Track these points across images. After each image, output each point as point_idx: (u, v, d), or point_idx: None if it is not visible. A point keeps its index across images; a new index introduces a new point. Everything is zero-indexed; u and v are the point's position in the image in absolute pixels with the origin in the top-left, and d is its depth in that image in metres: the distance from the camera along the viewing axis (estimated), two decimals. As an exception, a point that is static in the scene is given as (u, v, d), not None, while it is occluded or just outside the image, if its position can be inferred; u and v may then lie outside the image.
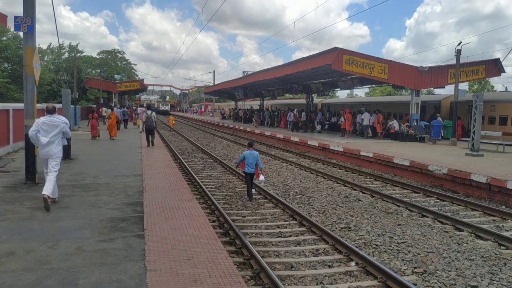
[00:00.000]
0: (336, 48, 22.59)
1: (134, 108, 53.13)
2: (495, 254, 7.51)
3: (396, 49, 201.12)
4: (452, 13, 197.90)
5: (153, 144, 20.00)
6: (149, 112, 19.93)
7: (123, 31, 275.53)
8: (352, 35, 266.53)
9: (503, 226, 9.52)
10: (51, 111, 8.58)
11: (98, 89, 52.10)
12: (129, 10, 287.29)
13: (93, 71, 78.39)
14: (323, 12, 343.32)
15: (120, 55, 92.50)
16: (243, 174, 12.01)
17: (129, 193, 9.42)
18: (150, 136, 19.94)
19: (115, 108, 33.05)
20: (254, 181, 11.91)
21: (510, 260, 7.22)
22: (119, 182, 10.73)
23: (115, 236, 6.37)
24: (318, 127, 31.19)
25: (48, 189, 7.91)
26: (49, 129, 8.42)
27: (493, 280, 6.30)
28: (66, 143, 9.37)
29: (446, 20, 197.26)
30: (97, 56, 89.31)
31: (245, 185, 12.10)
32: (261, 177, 11.70)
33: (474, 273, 6.54)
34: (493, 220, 10.04)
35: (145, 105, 42.38)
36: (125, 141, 22.36)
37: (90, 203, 8.40)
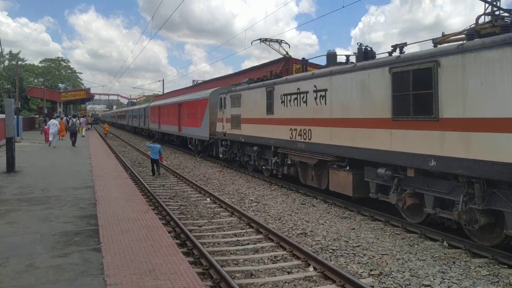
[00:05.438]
0: (286, 57, 22.93)
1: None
2: (444, 254, 7.88)
3: (343, 58, 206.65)
4: (395, 23, 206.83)
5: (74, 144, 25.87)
6: (74, 119, 29.13)
7: (67, 38, 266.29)
8: (301, 44, 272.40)
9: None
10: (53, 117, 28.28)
11: (42, 98, 50.09)
12: (73, 17, 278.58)
13: (36, 80, 75.03)
14: (272, 21, 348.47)
15: (65, 63, 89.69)
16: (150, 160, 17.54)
17: (81, 206, 9.11)
18: (73, 137, 26.12)
19: (64, 117, 40.87)
20: (160, 164, 17.51)
21: (458, 258, 7.60)
22: (69, 195, 10.35)
23: (70, 250, 6.14)
24: None
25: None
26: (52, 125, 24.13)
27: (444, 279, 6.61)
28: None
29: (390, 30, 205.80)
30: (40, 65, 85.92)
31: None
32: (164, 162, 18.98)
33: (427, 273, 6.84)
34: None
35: (90, 114, 54.61)
36: (72, 150, 21.64)
37: (40, 217, 8.04)
